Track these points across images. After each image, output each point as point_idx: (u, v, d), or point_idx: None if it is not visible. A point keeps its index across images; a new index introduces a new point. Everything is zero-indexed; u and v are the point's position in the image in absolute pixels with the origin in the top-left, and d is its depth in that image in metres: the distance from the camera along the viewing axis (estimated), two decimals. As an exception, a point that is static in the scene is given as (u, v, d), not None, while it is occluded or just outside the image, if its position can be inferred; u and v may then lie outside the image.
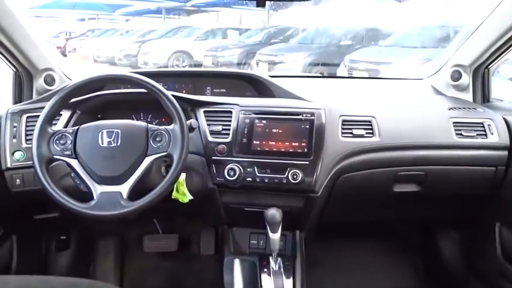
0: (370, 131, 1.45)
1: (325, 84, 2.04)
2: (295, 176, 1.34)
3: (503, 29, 1.50)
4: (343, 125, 1.44)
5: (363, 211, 1.69)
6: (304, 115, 1.39)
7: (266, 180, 1.36)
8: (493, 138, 1.48)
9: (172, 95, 1.24)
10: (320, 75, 4.87)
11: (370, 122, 1.46)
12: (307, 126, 1.38)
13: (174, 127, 1.21)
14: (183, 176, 1.31)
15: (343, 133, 1.43)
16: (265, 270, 1.44)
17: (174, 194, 1.31)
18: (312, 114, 1.39)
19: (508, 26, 1.48)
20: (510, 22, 1.47)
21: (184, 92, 1.61)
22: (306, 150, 1.36)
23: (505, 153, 1.49)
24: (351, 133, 1.44)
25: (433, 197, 1.58)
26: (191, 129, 1.29)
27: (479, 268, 1.77)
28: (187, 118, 1.28)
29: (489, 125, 1.50)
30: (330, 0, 11.42)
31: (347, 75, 5.62)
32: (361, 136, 1.44)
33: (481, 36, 1.58)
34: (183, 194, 1.31)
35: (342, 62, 6.29)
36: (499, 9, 1.50)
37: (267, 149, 1.37)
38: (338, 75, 5.77)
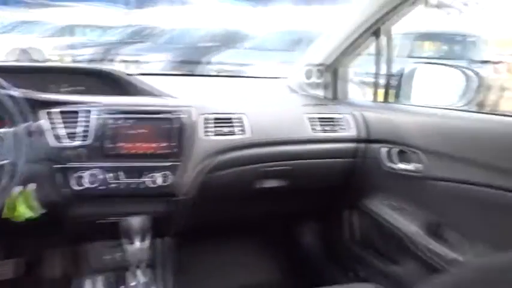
0: (235, 128, 1.43)
1: (189, 82, 1.99)
2: (158, 179, 1.26)
3: (347, 33, 1.65)
4: (210, 123, 1.40)
5: (232, 209, 1.69)
6: (166, 113, 1.30)
7: (124, 187, 1.23)
8: (343, 132, 1.61)
9: (7, 94, 1.05)
10: (186, 73, 4.81)
11: (232, 119, 1.44)
12: (171, 126, 1.29)
13: (7, 131, 1.02)
14: (31, 186, 1.12)
15: (209, 131, 1.38)
16: (126, 285, 1.32)
17: (6, 213, 1.09)
18: (176, 112, 1.31)
19: (351, 31, 1.63)
20: (352, 27, 1.62)
21: (27, 90, 1.38)
22: (169, 151, 1.28)
23: (353, 145, 1.63)
24: (218, 131, 1.40)
25: (298, 190, 1.64)
26: (32, 133, 1.11)
27: (335, 254, 1.91)
28: (27, 120, 1.10)
29: (339, 119, 1.62)
30: (193, 2, 11.44)
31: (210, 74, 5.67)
32: (228, 134, 1.42)
33: (331, 39, 1.72)
34: (18, 213, 1.11)
35: (205, 63, 6.34)
36: (345, 16, 1.65)
37: (125, 152, 1.25)
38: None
